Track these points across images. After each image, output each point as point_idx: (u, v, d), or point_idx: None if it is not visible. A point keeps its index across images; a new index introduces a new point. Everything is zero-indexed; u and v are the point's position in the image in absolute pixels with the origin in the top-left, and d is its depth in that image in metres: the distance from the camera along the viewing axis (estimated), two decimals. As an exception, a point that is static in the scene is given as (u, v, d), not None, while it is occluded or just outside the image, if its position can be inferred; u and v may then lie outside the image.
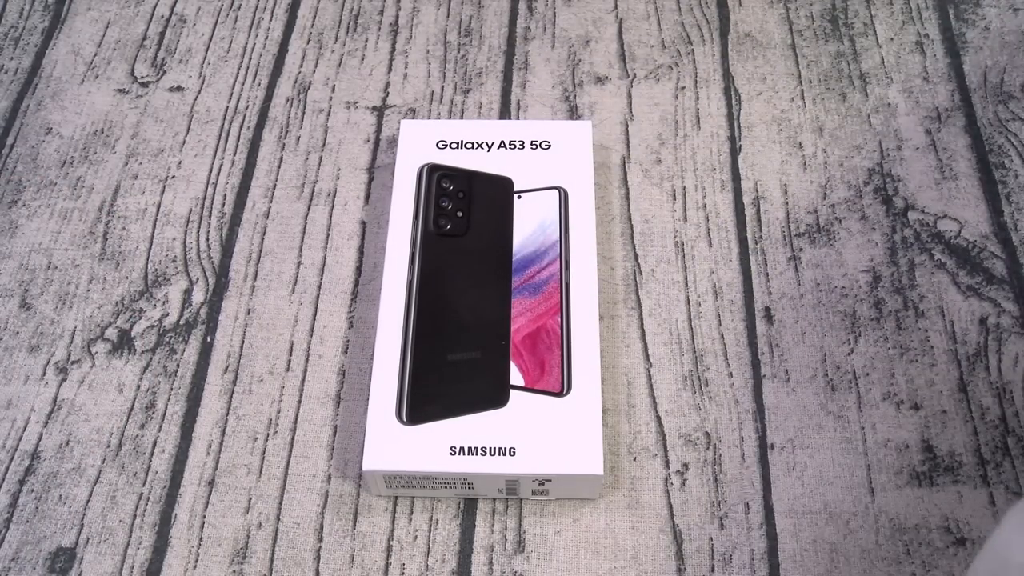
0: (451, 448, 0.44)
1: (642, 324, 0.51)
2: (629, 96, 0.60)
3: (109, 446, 0.48)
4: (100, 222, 0.56)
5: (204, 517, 0.46)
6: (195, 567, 0.45)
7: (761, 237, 0.54)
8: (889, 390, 0.49)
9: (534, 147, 0.54)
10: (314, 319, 0.52)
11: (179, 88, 0.62)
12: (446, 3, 0.66)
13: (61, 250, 0.55)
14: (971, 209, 0.55)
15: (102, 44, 0.64)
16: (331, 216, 0.56)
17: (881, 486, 0.46)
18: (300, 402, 0.50)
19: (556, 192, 0.52)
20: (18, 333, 0.52)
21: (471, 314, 0.48)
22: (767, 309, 0.52)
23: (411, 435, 0.45)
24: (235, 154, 0.59)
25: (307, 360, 0.51)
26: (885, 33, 0.63)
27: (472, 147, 0.54)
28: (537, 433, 0.45)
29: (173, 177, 0.58)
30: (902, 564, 0.44)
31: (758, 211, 0.55)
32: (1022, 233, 0.54)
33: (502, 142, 0.54)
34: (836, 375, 0.50)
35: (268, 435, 0.49)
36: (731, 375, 0.50)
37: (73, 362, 0.51)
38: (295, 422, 0.49)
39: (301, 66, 0.63)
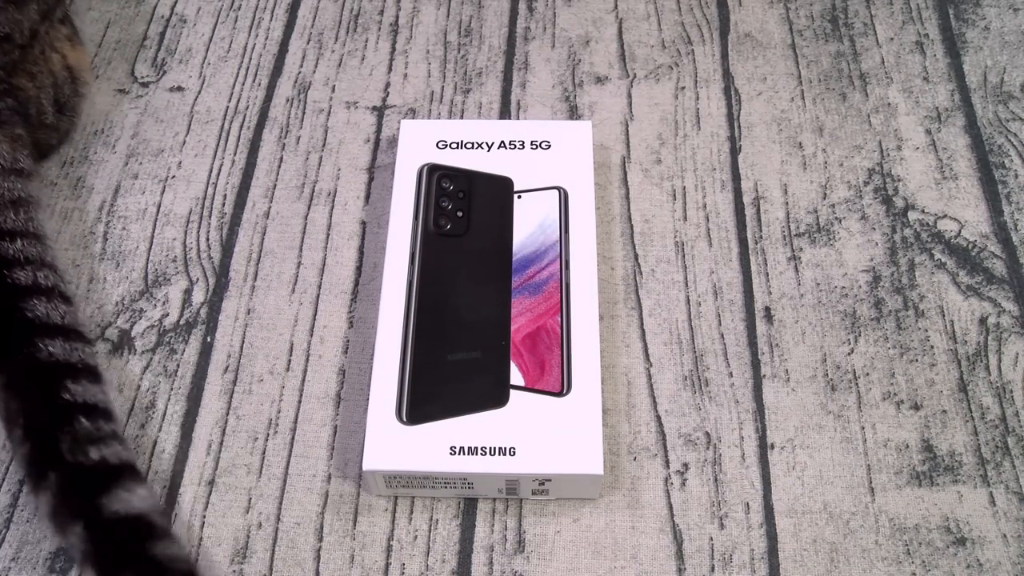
0: (451, 448, 0.44)
1: (642, 324, 0.51)
2: (629, 96, 0.61)
3: (109, 446, 0.48)
4: (100, 222, 0.56)
5: (204, 517, 0.46)
6: (195, 567, 0.45)
7: (761, 237, 0.54)
8: (889, 390, 0.49)
9: (534, 147, 0.54)
10: (314, 319, 0.52)
11: (179, 88, 0.62)
12: (446, 3, 0.66)
13: (61, 250, 0.55)
14: (971, 209, 0.55)
15: (102, 44, 0.64)
16: (331, 216, 0.56)
17: (881, 486, 0.46)
18: (300, 402, 0.50)
19: (556, 192, 0.52)
20: (18, 333, 0.52)
21: (471, 314, 0.48)
22: (767, 309, 0.52)
23: (411, 435, 0.45)
24: (235, 154, 0.59)
25: (307, 360, 0.51)
26: (885, 33, 0.63)
27: (472, 147, 0.54)
28: (537, 433, 0.45)
29: (173, 177, 0.58)
30: (902, 564, 0.44)
31: (758, 211, 0.55)
32: (1022, 233, 0.54)
33: (502, 142, 0.54)
34: (836, 375, 0.50)
35: (268, 435, 0.49)
36: (731, 375, 0.50)
37: (73, 362, 0.51)
38: (295, 422, 0.49)
39: (301, 66, 0.63)
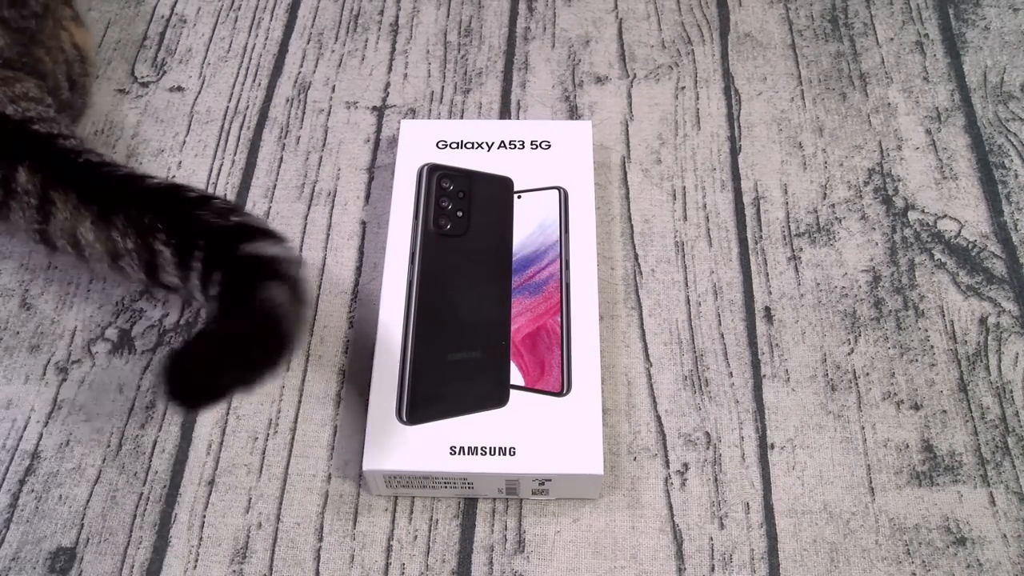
0: (451, 448, 0.44)
1: (642, 324, 0.51)
2: (629, 96, 0.61)
3: (109, 446, 0.48)
4: (100, 222, 0.56)
5: (204, 517, 0.46)
6: (195, 567, 0.45)
7: (761, 237, 0.54)
8: (889, 390, 0.49)
9: (534, 147, 0.54)
10: (314, 319, 0.52)
11: (179, 88, 0.62)
12: (446, 3, 0.66)
13: (61, 250, 0.55)
14: (971, 209, 0.55)
15: (102, 44, 0.64)
16: (331, 216, 0.56)
17: (881, 486, 0.46)
18: (300, 402, 0.50)
19: (556, 192, 0.52)
20: (18, 333, 0.52)
21: (471, 314, 0.48)
22: (767, 309, 0.52)
23: (411, 435, 0.45)
24: (235, 154, 0.59)
25: (307, 360, 0.51)
26: (885, 33, 0.63)
27: (472, 147, 0.54)
28: (537, 433, 0.45)
29: (173, 177, 0.58)
30: (902, 564, 0.44)
31: (758, 211, 0.55)
32: (1022, 233, 0.54)
33: (502, 142, 0.54)
34: (836, 375, 0.50)
35: (268, 435, 0.49)
36: (731, 375, 0.50)
37: (73, 362, 0.51)
38: (295, 422, 0.49)
39: (301, 66, 0.63)
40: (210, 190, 0.57)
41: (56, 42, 0.55)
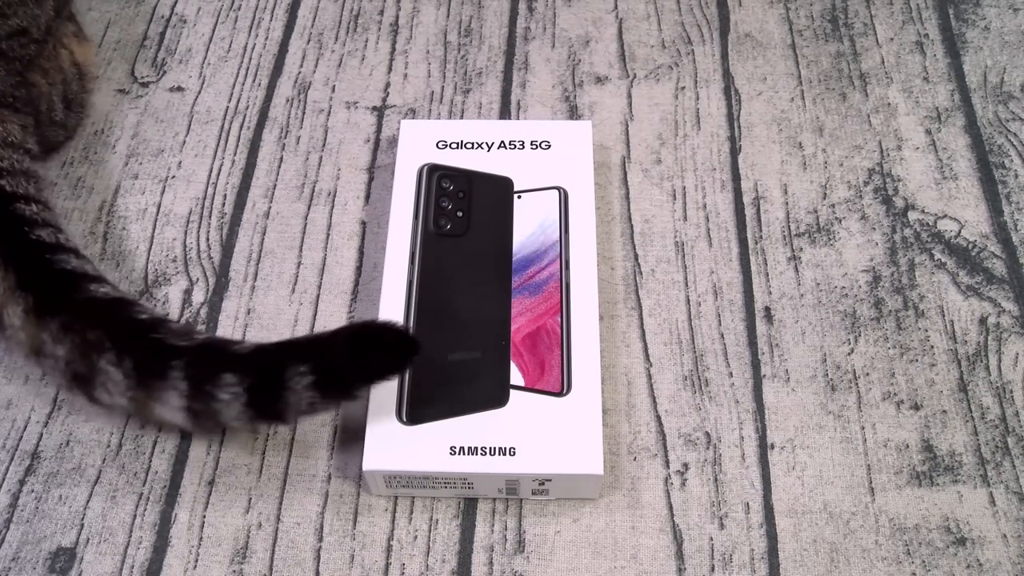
0: (451, 448, 0.44)
1: (642, 324, 0.51)
2: (629, 96, 0.61)
3: (109, 446, 0.48)
4: (100, 222, 0.56)
5: (204, 517, 0.46)
6: (195, 567, 0.45)
7: (761, 237, 0.54)
8: (889, 390, 0.49)
9: (534, 147, 0.54)
10: (314, 319, 0.52)
11: (179, 88, 0.62)
12: (446, 3, 0.66)
13: (61, 250, 0.55)
14: (971, 209, 0.55)
15: (102, 44, 0.64)
16: (331, 216, 0.56)
17: (881, 486, 0.46)
18: (300, 402, 0.50)
19: (556, 192, 0.52)
20: (18, 333, 0.52)
21: (471, 314, 0.48)
22: (767, 309, 0.52)
23: (411, 435, 0.45)
24: (235, 154, 0.59)
25: (307, 360, 0.51)
26: (885, 33, 0.63)
27: (472, 147, 0.54)
28: (537, 433, 0.45)
29: (173, 177, 0.58)
30: (902, 564, 0.44)
31: (758, 211, 0.55)
32: (1022, 233, 0.54)
33: (502, 142, 0.54)
34: (836, 375, 0.50)
35: (268, 435, 0.49)
36: (731, 375, 0.50)
37: (73, 362, 0.51)
38: (295, 422, 0.49)
39: (301, 66, 0.63)
40: (210, 190, 0.57)
41: (55, 63, 0.54)
